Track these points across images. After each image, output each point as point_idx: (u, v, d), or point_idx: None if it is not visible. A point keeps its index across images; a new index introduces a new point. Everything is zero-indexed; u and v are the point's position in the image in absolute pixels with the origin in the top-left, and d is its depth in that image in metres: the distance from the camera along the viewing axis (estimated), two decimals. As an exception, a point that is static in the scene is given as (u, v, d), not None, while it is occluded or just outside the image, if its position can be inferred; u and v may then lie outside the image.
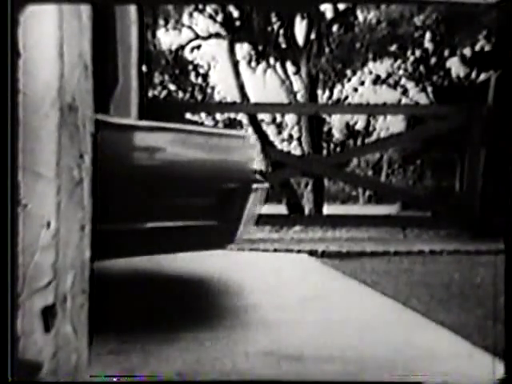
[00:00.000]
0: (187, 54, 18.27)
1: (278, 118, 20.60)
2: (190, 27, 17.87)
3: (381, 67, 17.27)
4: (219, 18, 17.54)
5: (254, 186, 2.63)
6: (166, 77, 17.93)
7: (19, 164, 1.56)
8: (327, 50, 16.91)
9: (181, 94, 18.18)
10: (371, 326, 2.66)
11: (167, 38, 17.63)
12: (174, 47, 17.79)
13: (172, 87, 18.03)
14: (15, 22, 1.54)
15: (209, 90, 19.26)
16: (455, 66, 15.91)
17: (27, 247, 1.57)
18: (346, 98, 18.39)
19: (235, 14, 17.20)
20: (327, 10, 16.71)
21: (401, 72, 17.26)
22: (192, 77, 18.74)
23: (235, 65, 17.61)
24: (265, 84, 18.29)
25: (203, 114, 16.94)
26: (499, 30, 12.06)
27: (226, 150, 2.67)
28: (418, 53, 16.34)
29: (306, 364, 2.04)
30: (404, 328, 2.64)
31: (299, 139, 16.08)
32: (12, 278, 1.53)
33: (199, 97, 18.66)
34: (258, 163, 2.73)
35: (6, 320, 1.52)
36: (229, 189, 2.56)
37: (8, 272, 1.52)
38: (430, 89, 16.64)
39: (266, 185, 3.00)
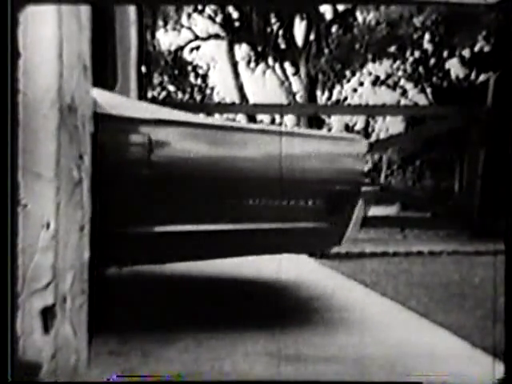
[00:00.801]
0: (186, 54, 18.29)
1: (277, 119, 20.61)
2: (189, 28, 17.89)
3: (380, 68, 17.28)
4: (218, 18, 17.56)
5: (364, 188, 2.65)
6: (165, 77, 17.95)
7: (19, 164, 1.56)
8: (326, 50, 16.93)
9: (180, 95, 18.19)
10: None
11: (166, 39, 17.65)
12: (173, 48, 17.80)
13: (171, 88, 18.04)
14: (15, 22, 1.54)
15: (208, 91, 19.28)
16: (454, 67, 15.93)
17: (27, 248, 1.57)
18: (346, 98, 18.41)
19: (234, 14, 17.22)
20: (327, 11, 16.72)
21: (400, 73, 17.27)
22: (191, 77, 18.75)
23: (234, 65, 17.63)
24: (264, 85, 18.33)
25: (202, 115, 16.94)
26: (498, 31, 12.07)
27: (338, 154, 2.70)
28: (417, 54, 16.35)
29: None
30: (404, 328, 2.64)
31: (298, 140, 16.01)
32: (12, 279, 1.53)
33: (198, 97, 18.68)
34: (365, 166, 2.76)
35: (6, 320, 1.52)
36: (339, 191, 2.58)
37: (8, 272, 1.52)
38: (429, 90, 16.66)
39: (376, 187, 3.01)
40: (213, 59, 19.63)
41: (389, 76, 17.44)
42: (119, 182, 2.34)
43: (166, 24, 16.80)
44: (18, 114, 1.55)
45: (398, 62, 16.92)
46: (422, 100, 16.83)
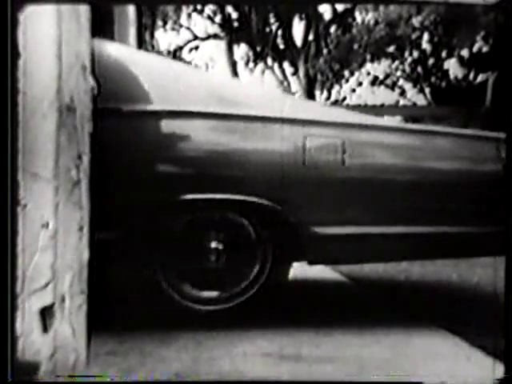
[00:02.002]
0: (185, 54, 18.29)
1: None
2: (188, 28, 17.90)
3: (379, 68, 17.30)
4: (217, 19, 17.57)
5: None
6: (164, 77, 17.88)
7: (18, 164, 1.56)
8: (325, 50, 16.94)
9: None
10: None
11: (165, 39, 17.67)
12: (172, 48, 17.80)
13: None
14: (15, 22, 1.54)
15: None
16: (453, 67, 15.94)
17: (26, 248, 1.57)
18: (344, 98, 18.42)
19: (234, 15, 17.22)
20: (326, 11, 16.72)
21: (399, 73, 17.29)
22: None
23: (233, 66, 17.63)
24: (262, 84, 18.32)
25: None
26: (497, 31, 12.07)
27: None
28: (415, 54, 16.37)
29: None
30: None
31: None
32: (12, 279, 1.53)
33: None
34: None
35: (6, 320, 1.52)
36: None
37: (8, 272, 1.52)
38: (427, 90, 16.67)
39: None
40: (212, 59, 19.65)
41: (387, 76, 17.46)
42: (324, 184, 2.50)
43: (165, 24, 16.82)
44: (18, 114, 1.55)
45: (396, 62, 16.94)
46: (420, 100, 16.85)
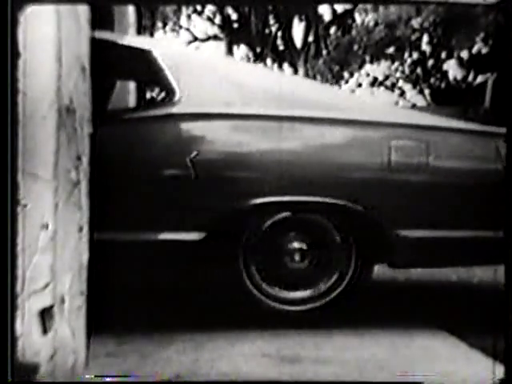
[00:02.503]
0: (185, 56, 18.25)
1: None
2: (188, 29, 17.91)
3: (378, 69, 17.30)
4: (217, 20, 17.58)
5: None
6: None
7: (18, 165, 1.56)
8: (325, 52, 16.95)
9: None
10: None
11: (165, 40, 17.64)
12: (171, 49, 17.76)
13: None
14: (15, 22, 1.54)
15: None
16: (452, 69, 15.94)
17: (26, 248, 1.57)
18: (344, 100, 18.36)
19: (233, 16, 17.23)
20: (325, 12, 16.73)
21: (398, 74, 17.29)
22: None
23: (233, 67, 17.59)
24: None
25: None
26: (497, 32, 12.08)
27: None
28: (415, 55, 16.38)
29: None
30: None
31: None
32: (12, 279, 1.53)
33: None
34: None
35: (6, 321, 1.52)
36: None
37: (8, 273, 1.52)
38: (427, 91, 16.68)
39: None
40: (211, 60, 19.59)
41: (387, 77, 17.46)
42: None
43: (164, 25, 16.83)
44: (17, 114, 1.55)
45: (396, 64, 16.94)
46: (420, 101, 16.85)
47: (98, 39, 2.66)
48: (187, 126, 2.48)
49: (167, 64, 2.53)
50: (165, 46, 2.83)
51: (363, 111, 2.64)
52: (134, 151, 2.43)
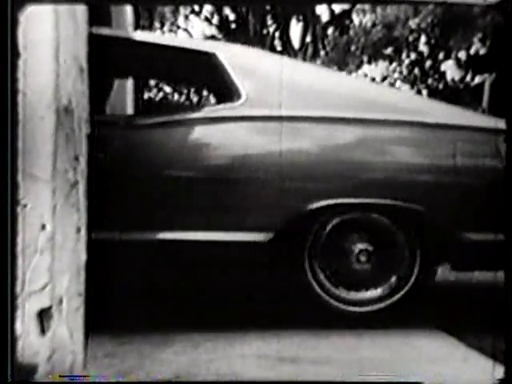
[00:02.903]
0: (183, 56, 18.22)
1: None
2: (185, 30, 17.89)
3: (376, 70, 17.31)
4: (215, 20, 17.57)
5: None
6: (162, 79, 17.89)
7: (19, 165, 1.56)
8: (322, 52, 16.95)
9: (176, 97, 18.17)
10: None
11: (163, 41, 17.57)
12: (169, 49, 17.73)
13: (167, 89, 18.01)
14: (15, 22, 1.54)
15: (205, 93, 19.25)
16: (450, 69, 15.97)
17: (25, 249, 1.57)
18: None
19: (231, 16, 17.22)
20: (323, 12, 16.74)
21: (396, 75, 17.31)
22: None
23: (231, 67, 17.58)
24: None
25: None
26: (495, 33, 12.10)
27: None
28: (413, 56, 16.40)
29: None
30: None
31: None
32: (12, 280, 1.53)
33: (195, 99, 18.64)
34: None
35: (6, 321, 1.52)
36: None
37: (8, 273, 1.52)
38: (425, 91, 16.69)
39: None
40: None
41: (385, 78, 17.47)
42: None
43: (162, 25, 16.80)
44: (18, 114, 1.55)
45: (393, 64, 16.96)
46: (417, 102, 16.82)
47: (163, 44, 2.71)
48: (254, 128, 2.52)
49: (232, 66, 2.58)
50: (229, 49, 2.88)
51: (428, 113, 2.65)
52: (196, 152, 2.47)
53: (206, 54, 2.64)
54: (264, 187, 2.45)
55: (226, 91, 2.65)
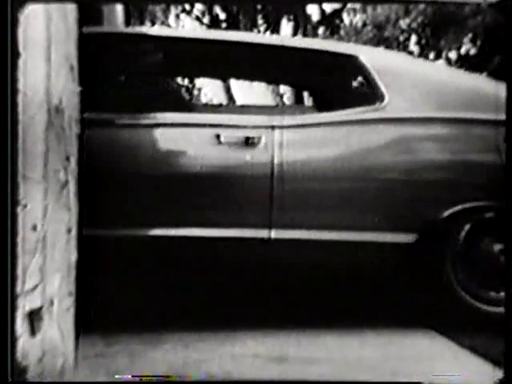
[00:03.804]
0: (174, 55, 18.19)
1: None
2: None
3: (367, 70, 17.30)
4: (206, 19, 17.53)
5: None
6: (153, 78, 17.82)
7: (18, 165, 1.55)
8: (314, 52, 16.90)
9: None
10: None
11: (153, 40, 17.53)
12: (160, 48, 17.69)
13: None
14: (15, 22, 1.53)
15: (195, 92, 19.21)
16: (440, 69, 16.00)
17: (20, 249, 1.56)
18: (333, 100, 18.41)
19: (222, 16, 17.20)
20: (313, 12, 16.75)
21: (387, 74, 17.31)
22: (178, 78, 18.67)
23: (222, 67, 17.57)
24: (251, 86, 18.31)
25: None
26: (486, 32, 12.14)
27: None
28: (403, 55, 16.40)
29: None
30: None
31: (286, 141, 16.02)
32: (11, 279, 1.53)
33: (186, 98, 18.59)
34: None
35: (6, 321, 1.51)
36: None
37: (8, 273, 1.52)
38: (415, 91, 16.72)
39: None
40: (200, 60, 19.54)
41: (376, 78, 17.49)
42: None
43: (153, 24, 16.75)
44: (17, 114, 1.54)
45: (384, 64, 16.97)
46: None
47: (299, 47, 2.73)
48: (395, 131, 2.55)
49: (376, 69, 2.60)
50: (370, 52, 2.89)
51: None
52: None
53: (349, 56, 2.68)
54: (408, 189, 2.52)
55: (360, 94, 2.67)
